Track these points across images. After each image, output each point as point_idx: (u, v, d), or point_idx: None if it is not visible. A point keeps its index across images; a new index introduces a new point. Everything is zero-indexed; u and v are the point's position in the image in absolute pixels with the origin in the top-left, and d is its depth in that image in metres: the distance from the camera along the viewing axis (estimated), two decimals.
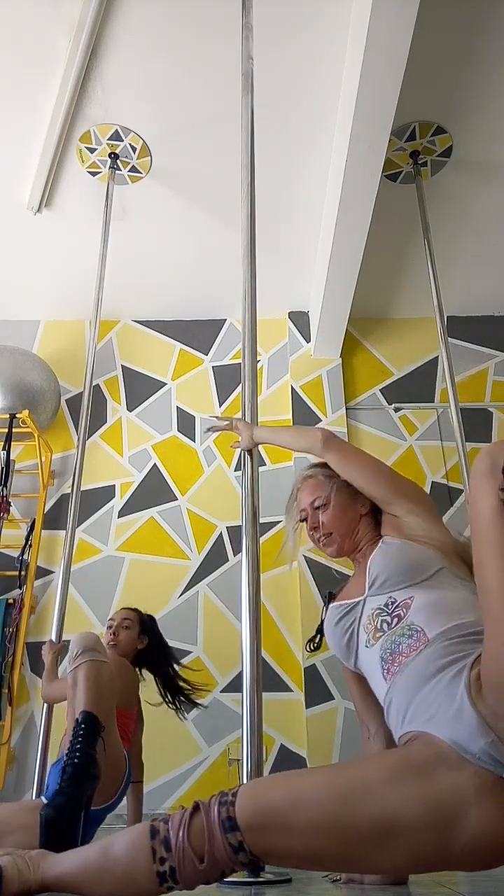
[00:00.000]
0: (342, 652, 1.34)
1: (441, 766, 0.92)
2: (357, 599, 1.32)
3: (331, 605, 1.41)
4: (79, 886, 0.99)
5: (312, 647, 1.51)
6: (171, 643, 3.39)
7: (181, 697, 2.42)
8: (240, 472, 3.21)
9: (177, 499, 3.81)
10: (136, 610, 2.51)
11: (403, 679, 1.11)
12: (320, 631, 1.47)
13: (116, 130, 3.16)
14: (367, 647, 1.26)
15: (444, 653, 1.08)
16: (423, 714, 1.02)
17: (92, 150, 3.25)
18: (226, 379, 4.13)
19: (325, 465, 1.55)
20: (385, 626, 1.23)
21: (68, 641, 2.02)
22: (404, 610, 1.22)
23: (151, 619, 2.52)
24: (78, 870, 1.00)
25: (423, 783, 0.91)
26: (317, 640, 1.50)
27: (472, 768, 0.90)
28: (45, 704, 2.52)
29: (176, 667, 2.45)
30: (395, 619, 1.22)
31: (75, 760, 1.54)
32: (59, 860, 1.03)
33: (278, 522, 3.69)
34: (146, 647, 2.42)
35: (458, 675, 1.01)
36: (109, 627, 2.42)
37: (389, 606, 1.25)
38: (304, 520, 1.52)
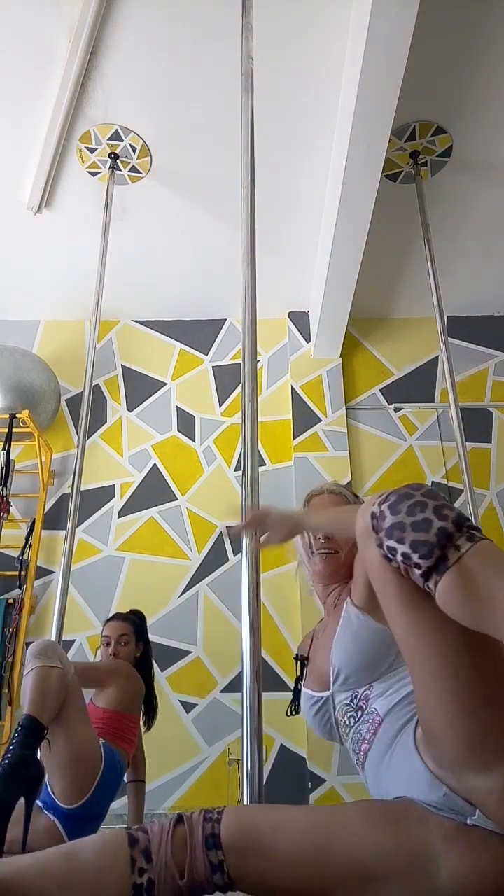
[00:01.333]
0: (330, 738, 1.37)
1: (410, 818, 0.94)
2: (324, 695, 1.35)
3: (303, 695, 1.43)
4: (31, 893, 0.86)
5: (292, 712, 1.50)
6: (170, 643, 3.43)
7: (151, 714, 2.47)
8: (240, 472, 3.21)
9: (177, 499, 3.81)
10: (127, 619, 2.54)
11: (370, 763, 1.16)
12: (297, 696, 1.48)
13: (116, 130, 3.16)
14: (344, 743, 1.30)
15: (392, 727, 1.13)
16: (389, 786, 1.06)
17: (92, 150, 3.25)
18: (226, 379, 4.13)
19: (346, 486, 1.56)
20: (352, 720, 1.26)
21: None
22: (365, 702, 1.25)
23: (141, 619, 2.57)
24: (33, 875, 0.88)
25: (397, 833, 0.92)
26: (296, 704, 1.50)
27: (435, 819, 0.93)
28: None
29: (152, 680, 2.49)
30: (359, 712, 1.25)
31: (5, 761, 1.55)
32: (8, 863, 0.92)
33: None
34: (143, 652, 2.51)
35: (407, 737, 1.06)
36: (107, 644, 2.46)
37: (354, 701, 1.28)
38: None
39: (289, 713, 1.49)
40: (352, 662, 1.29)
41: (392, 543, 0.91)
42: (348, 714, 1.27)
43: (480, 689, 0.91)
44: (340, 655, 1.31)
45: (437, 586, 0.86)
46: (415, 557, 0.88)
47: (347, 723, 1.27)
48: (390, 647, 1.25)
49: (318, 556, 1.51)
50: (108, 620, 2.57)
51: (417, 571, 0.89)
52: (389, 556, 0.93)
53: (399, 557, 0.91)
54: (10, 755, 1.58)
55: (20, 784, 1.52)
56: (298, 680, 1.49)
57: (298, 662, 1.50)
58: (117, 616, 2.59)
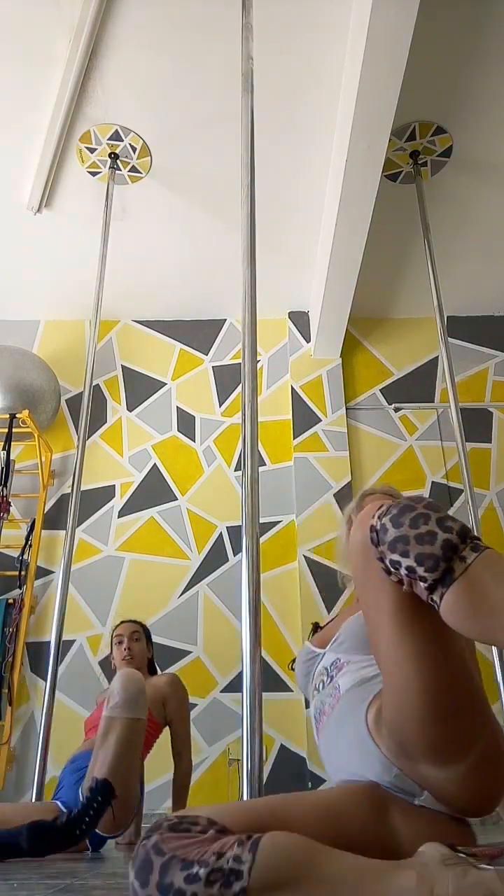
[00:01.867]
0: (305, 692, 1.37)
1: (375, 796, 1.00)
2: (319, 651, 1.35)
3: (305, 644, 1.44)
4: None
5: (292, 667, 1.51)
6: (171, 643, 3.43)
7: None
8: (240, 472, 3.21)
9: (177, 499, 3.81)
10: (136, 621, 2.63)
11: (325, 734, 1.19)
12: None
13: (116, 130, 3.16)
14: (308, 707, 1.33)
15: (348, 705, 1.14)
16: (342, 761, 1.11)
17: (92, 150, 3.25)
18: (226, 379, 4.13)
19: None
20: (321, 685, 1.26)
21: None
22: (336, 671, 1.24)
23: (148, 629, 2.65)
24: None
25: (371, 814, 0.98)
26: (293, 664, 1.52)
27: (393, 798, 1.00)
28: (46, 704, 2.52)
29: None
30: (329, 679, 1.25)
31: (75, 820, 1.65)
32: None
33: (278, 522, 3.70)
34: (151, 657, 2.58)
35: (359, 719, 1.08)
36: (119, 643, 2.52)
37: (330, 668, 1.27)
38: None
39: (290, 666, 1.50)
40: (358, 632, 1.28)
41: (396, 557, 0.90)
42: (320, 678, 1.28)
43: (455, 701, 0.94)
44: (352, 626, 1.32)
45: (442, 599, 0.86)
46: (420, 571, 0.87)
47: (317, 687, 1.28)
48: None
49: None
50: (117, 625, 2.62)
51: (422, 584, 0.87)
52: (392, 569, 0.92)
53: (403, 571, 0.90)
54: (80, 818, 1.65)
55: (76, 839, 1.64)
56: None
57: (311, 626, 1.50)
58: (125, 620, 2.64)
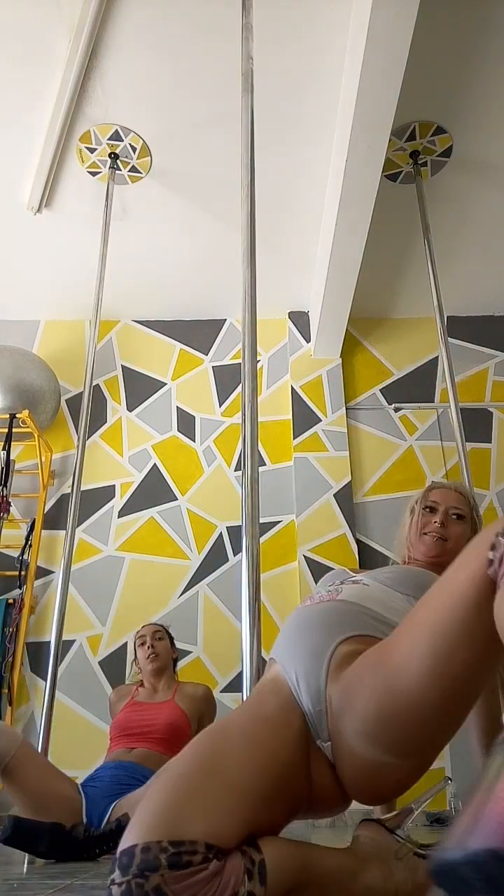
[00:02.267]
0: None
1: (284, 721, 1.01)
2: (354, 575, 1.32)
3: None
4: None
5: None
6: None
7: None
8: (240, 472, 3.21)
9: (177, 499, 3.81)
10: (158, 624, 2.62)
11: (296, 619, 1.17)
12: None
13: (116, 130, 3.16)
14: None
15: (330, 616, 1.12)
16: (297, 655, 1.09)
17: (92, 150, 3.25)
18: (226, 379, 4.13)
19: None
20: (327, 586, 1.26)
21: None
22: (351, 582, 1.24)
23: (169, 630, 2.64)
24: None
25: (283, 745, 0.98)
26: None
27: (306, 735, 1.00)
28: (46, 704, 2.52)
29: None
30: (340, 583, 1.24)
31: (98, 840, 1.73)
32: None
33: (278, 522, 3.70)
34: (176, 657, 2.57)
35: (331, 640, 1.06)
36: (143, 644, 2.49)
37: (347, 579, 1.27)
38: (433, 510, 1.53)
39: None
40: (399, 571, 1.30)
41: None
42: (336, 585, 1.25)
43: (460, 712, 0.92)
44: (398, 567, 1.35)
45: None
46: None
47: (325, 585, 1.29)
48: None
49: (429, 538, 1.50)
50: (140, 628, 2.60)
51: None
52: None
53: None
54: (99, 839, 1.73)
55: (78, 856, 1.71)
56: None
57: None
58: (147, 623, 2.65)
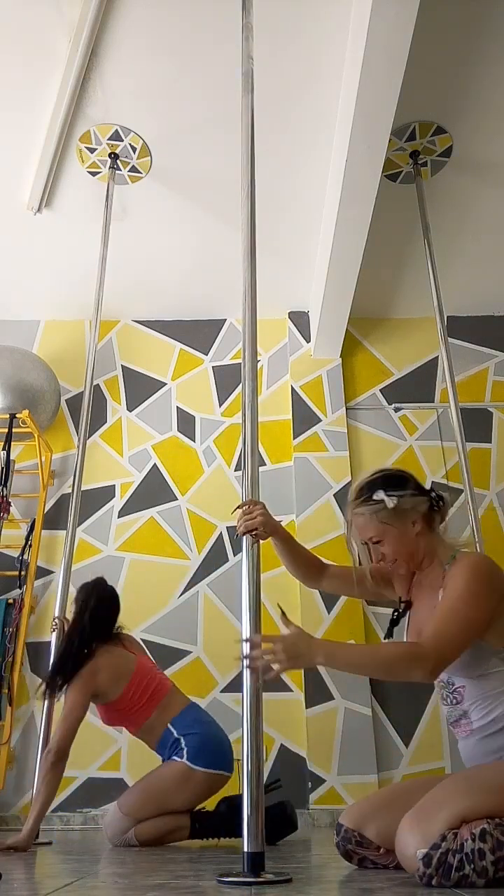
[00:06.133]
0: None
1: None
2: None
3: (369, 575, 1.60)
4: None
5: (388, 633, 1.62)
6: (170, 643, 3.43)
7: None
8: (240, 472, 3.21)
9: (177, 499, 3.81)
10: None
11: (465, 746, 1.48)
12: (394, 624, 1.62)
13: (116, 130, 3.16)
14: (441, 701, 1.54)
15: (485, 748, 1.42)
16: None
17: (92, 150, 3.25)
18: (226, 379, 4.13)
19: (367, 497, 1.56)
20: (447, 700, 1.50)
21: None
22: (459, 696, 1.47)
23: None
24: None
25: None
26: (390, 630, 1.62)
27: None
28: (46, 705, 2.51)
29: None
30: (454, 701, 1.48)
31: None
32: None
33: (278, 522, 3.68)
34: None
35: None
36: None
37: (449, 686, 1.49)
38: (364, 542, 1.59)
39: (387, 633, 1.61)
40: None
41: None
42: (444, 691, 1.50)
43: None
44: None
45: None
46: None
47: (443, 696, 1.51)
48: (487, 654, 1.41)
49: (383, 565, 1.59)
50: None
51: None
52: None
53: None
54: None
55: None
56: (398, 614, 1.62)
57: (402, 604, 1.62)
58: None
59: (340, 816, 1.49)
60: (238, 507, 1.45)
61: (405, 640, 1.57)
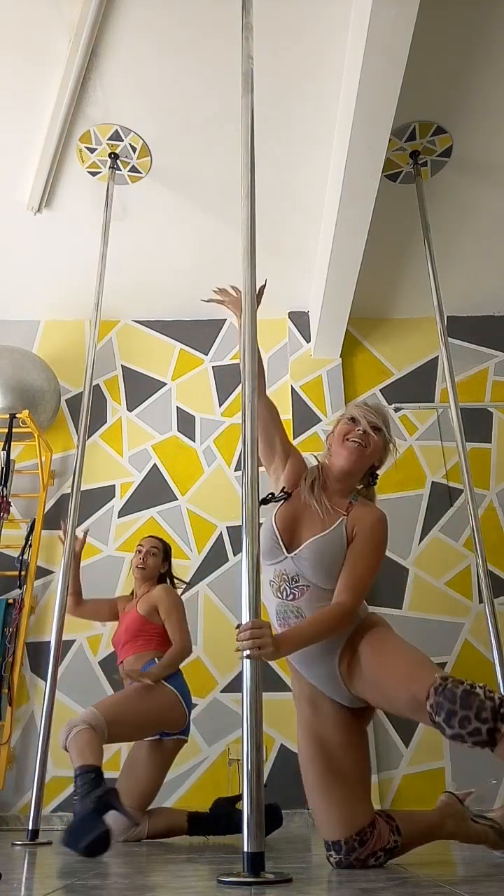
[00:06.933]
0: (264, 557, 1.67)
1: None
2: (283, 557, 1.67)
3: (271, 529, 1.70)
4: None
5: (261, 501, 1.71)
6: None
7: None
8: (240, 472, 3.21)
9: (177, 499, 3.81)
10: (160, 539, 2.93)
11: (295, 654, 1.63)
12: (271, 500, 1.77)
13: (116, 130, 3.16)
14: (270, 584, 1.68)
15: (317, 648, 1.58)
16: (311, 676, 1.67)
17: (92, 150, 3.25)
18: (226, 379, 4.13)
19: (388, 429, 1.82)
20: (283, 594, 1.65)
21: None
22: (299, 593, 1.64)
23: (169, 547, 2.95)
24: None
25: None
26: (267, 501, 1.76)
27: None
28: (46, 704, 2.51)
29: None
30: (291, 597, 1.64)
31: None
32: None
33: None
34: (166, 570, 2.88)
35: (333, 665, 1.61)
36: (139, 551, 2.84)
37: (293, 581, 1.65)
38: (354, 420, 1.78)
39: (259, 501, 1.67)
40: (320, 553, 1.64)
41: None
42: (284, 585, 1.66)
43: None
44: (317, 543, 1.65)
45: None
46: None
47: (280, 589, 1.66)
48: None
49: (351, 444, 1.75)
50: (143, 538, 2.92)
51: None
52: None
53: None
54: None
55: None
56: (274, 498, 1.77)
57: (283, 492, 1.77)
58: (152, 536, 2.95)
59: (325, 835, 1.53)
60: (242, 630, 1.47)
61: (272, 524, 1.71)
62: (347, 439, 1.75)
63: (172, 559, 2.93)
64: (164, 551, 2.88)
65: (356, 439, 1.74)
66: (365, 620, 1.65)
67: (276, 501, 1.76)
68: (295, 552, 1.67)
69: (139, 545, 2.87)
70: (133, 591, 2.87)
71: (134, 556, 2.85)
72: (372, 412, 1.79)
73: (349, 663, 1.59)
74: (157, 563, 2.83)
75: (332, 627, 1.56)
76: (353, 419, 1.78)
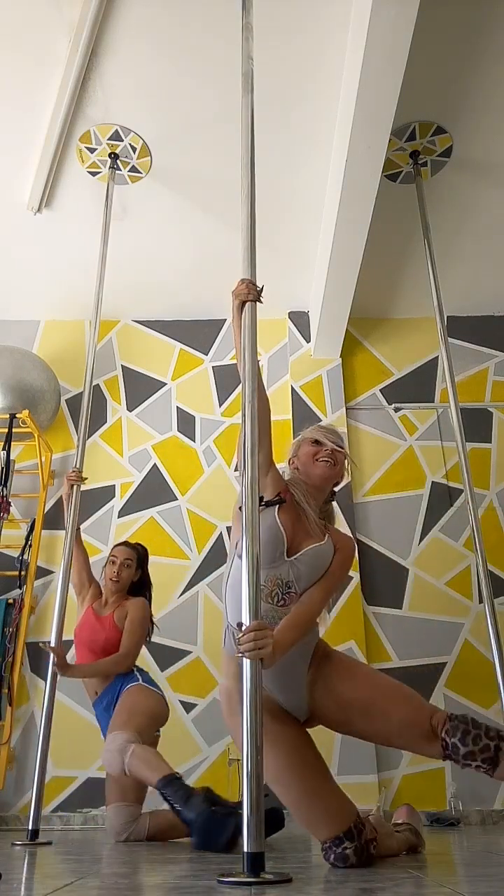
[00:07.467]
0: (264, 559, 1.67)
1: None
2: (282, 561, 1.70)
3: (275, 533, 1.72)
4: None
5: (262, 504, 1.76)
6: (171, 643, 3.43)
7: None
8: (239, 472, 3.20)
9: (177, 499, 3.81)
10: (134, 548, 2.89)
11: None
12: (269, 504, 1.78)
13: (116, 130, 3.16)
14: (261, 595, 1.65)
15: (290, 655, 1.59)
16: (275, 684, 1.67)
17: (92, 150, 3.25)
18: (226, 379, 4.13)
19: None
20: (275, 599, 1.68)
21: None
22: (289, 600, 1.68)
23: (145, 552, 2.92)
24: None
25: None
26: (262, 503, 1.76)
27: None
28: (46, 704, 2.51)
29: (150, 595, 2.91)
30: (282, 602, 1.68)
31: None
32: None
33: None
34: (139, 578, 2.86)
35: (301, 674, 1.68)
36: (112, 562, 2.81)
37: (286, 587, 1.69)
38: (319, 443, 1.90)
39: (260, 504, 1.71)
40: (315, 561, 1.73)
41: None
42: (275, 589, 1.69)
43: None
44: (315, 552, 1.73)
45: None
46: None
47: (271, 594, 1.68)
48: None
49: (322, 462, 1.86)
50: (118, 545, 2.89)
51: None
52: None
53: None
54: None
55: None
56: (273, 503, 1.79)
57: (278, 496, 1.81)
58: (126, 543, 2.91)
59: (328, 831, 1.53)
60: (246, 632, 1.40)
61: (277, 522, 1.75)
62: (318, 459, 1.87)
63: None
64: (137, 560, 2.85)
65: (326, 458, 1.87)
66: (321, 640, 1.78)
67: (270, 506, 1.77)
68: (294, 557, 1.71)
69: (112, 555, 2.83)
70: (103, 594, 2.84)
71: (107, 566, 2.82)
72: (331, 434, 1.94)
73: (315, 677, 1.69)
74: (131, 574, 2.82)
75: (309, 627, 1.67)
76: (317, 441, 1.91)
